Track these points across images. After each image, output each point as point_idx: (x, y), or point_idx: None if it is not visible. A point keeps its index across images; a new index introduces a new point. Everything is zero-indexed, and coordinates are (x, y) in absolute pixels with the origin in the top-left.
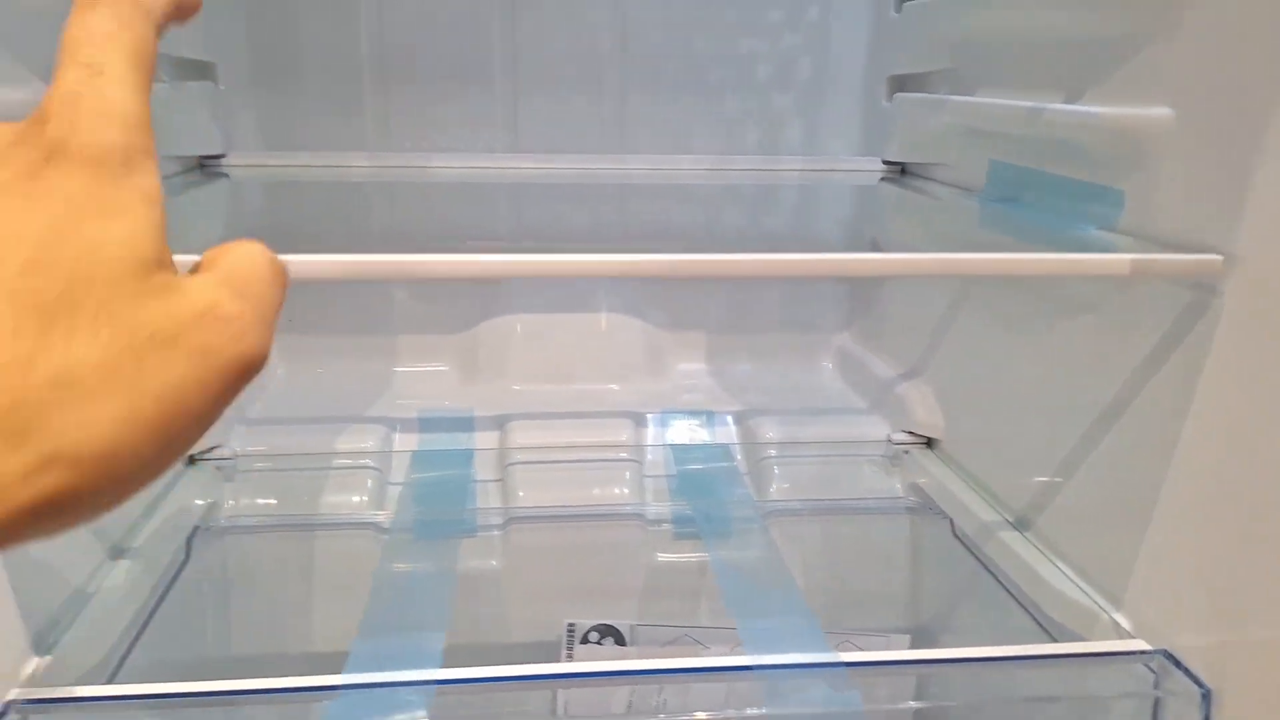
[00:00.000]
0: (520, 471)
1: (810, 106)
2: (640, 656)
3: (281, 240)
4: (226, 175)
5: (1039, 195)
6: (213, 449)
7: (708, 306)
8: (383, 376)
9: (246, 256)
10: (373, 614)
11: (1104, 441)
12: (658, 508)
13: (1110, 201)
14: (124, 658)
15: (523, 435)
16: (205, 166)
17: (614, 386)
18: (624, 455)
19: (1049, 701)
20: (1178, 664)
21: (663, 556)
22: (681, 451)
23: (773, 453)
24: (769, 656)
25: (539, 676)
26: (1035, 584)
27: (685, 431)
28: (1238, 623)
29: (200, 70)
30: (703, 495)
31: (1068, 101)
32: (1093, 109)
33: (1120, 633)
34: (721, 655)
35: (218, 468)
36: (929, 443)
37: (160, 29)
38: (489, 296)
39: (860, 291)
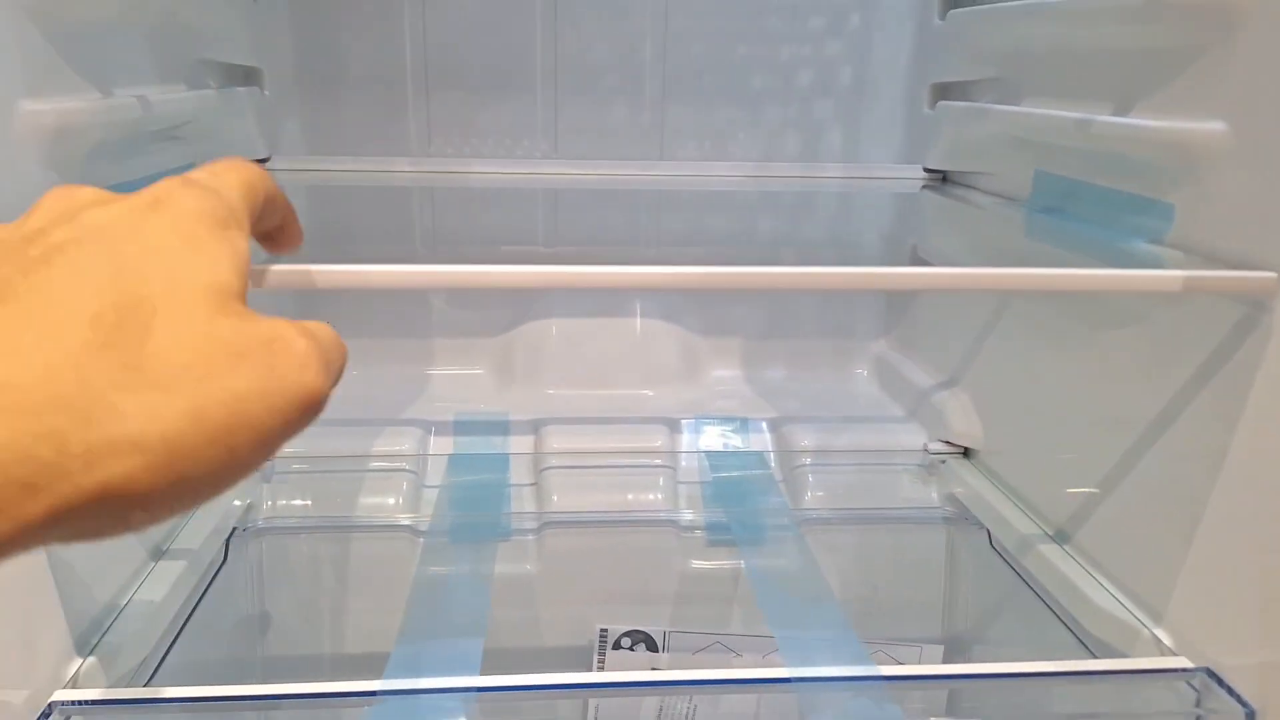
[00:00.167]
0: (555, 476)
1: (851, 113)
2: (672, 664)
3: (325, 244)
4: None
5: (1086, 207)
6: None
7: (743, 312)
8: (419, 379)
9: (315, 324)
10: (411, 619)
11: (1148, 455)
12: (691, 514)
13: (1160, 214)
14: (163, 658)
15: (557, 440)
16: None
17: (648, 392)
18: (658, 461)
19: (1088, 719)
20: (1221, 683)
21: (696, 563)
22: (716, 458)
23: (807, 460)
24: (807, 669)
25: (579, 685)
26: (1074, 598)
27: (720, 438)
28: None
29: (247, 76)
30: (737, 503)
31: (1117, 113)
32: (1146, 122)
33: (1162, 649)
34: (758, 667)
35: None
36: (966, 452)
37: (265, 191)
38: (525, 301)
39: (897, 298)
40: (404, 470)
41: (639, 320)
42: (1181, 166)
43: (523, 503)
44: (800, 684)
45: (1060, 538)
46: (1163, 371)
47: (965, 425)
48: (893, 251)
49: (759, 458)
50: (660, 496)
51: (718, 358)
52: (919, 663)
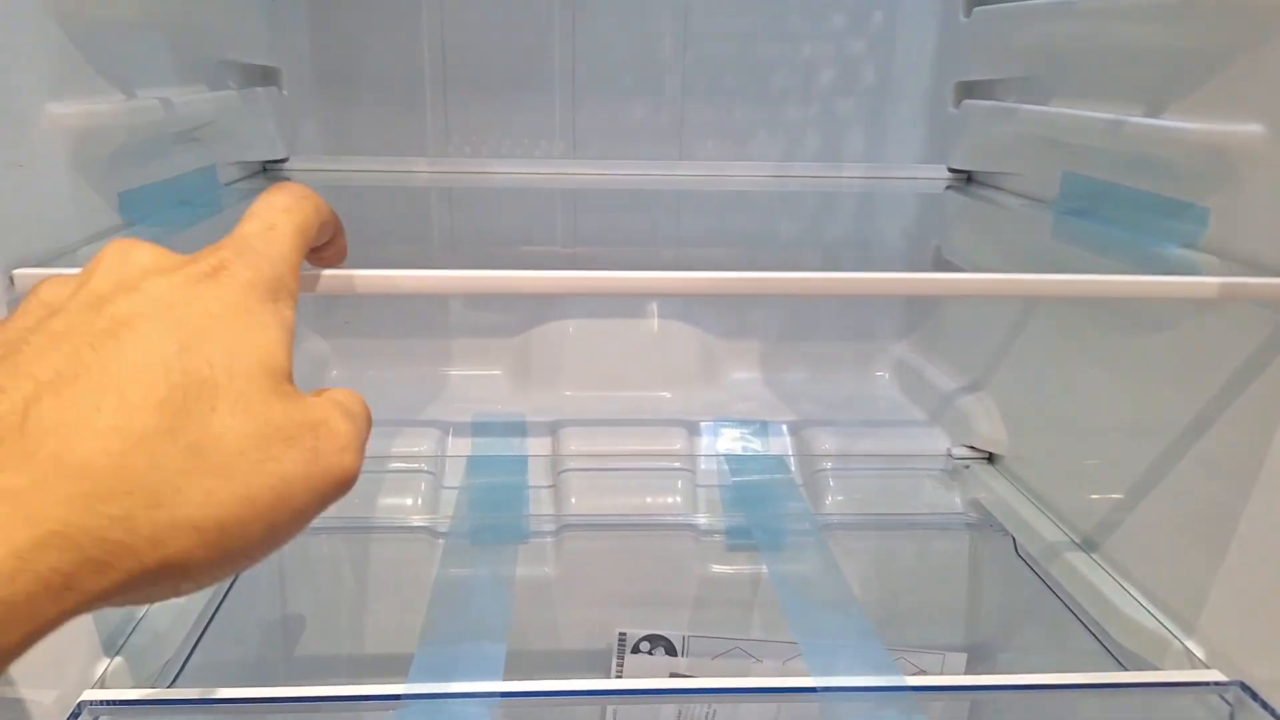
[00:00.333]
0: (573, 478)
1: (874, 112)
2: (691, 668)
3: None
4: (289, 179)
5: (1116, 209)
6: None
7: (762, 314)
8: (436, 380)
9: (347, 395)
10: (433, 622)
11: (1179, 462)
12: (711, 518)
13: (1194, 218)
14: (187, 659)
15: (575, 441)
16: (268, 171)
17: (666, 394)
18: (677, 464)
19: None
20: (1254, 696)
21: (715, 567)
22: (736, 462)
23: (828, 465)
24: (831, 678)
25: (604, 692)
26: (1102, 607)
27: (739, 441)
28: None
29: (266, 76)
30: (758, 507)
31: (1148, 114)
32: (1181, 124)
33: (1193, 662)
34: (778, 674)
35: None
36: (990, 458)
37: (319, 224)
38: (542, 301)
39: (919, 300)
40: (422, 471)
41: (657, 321)
42: (1217, 170)
43: (541, 505)
44: (824, 694)
45: (1087, 545)
46: (1195, 378)
47: (990, 430)
48: (916, 253)
49: (779, 462)
50: (679, 499)
51: (736, 359)
52: (942, 670)
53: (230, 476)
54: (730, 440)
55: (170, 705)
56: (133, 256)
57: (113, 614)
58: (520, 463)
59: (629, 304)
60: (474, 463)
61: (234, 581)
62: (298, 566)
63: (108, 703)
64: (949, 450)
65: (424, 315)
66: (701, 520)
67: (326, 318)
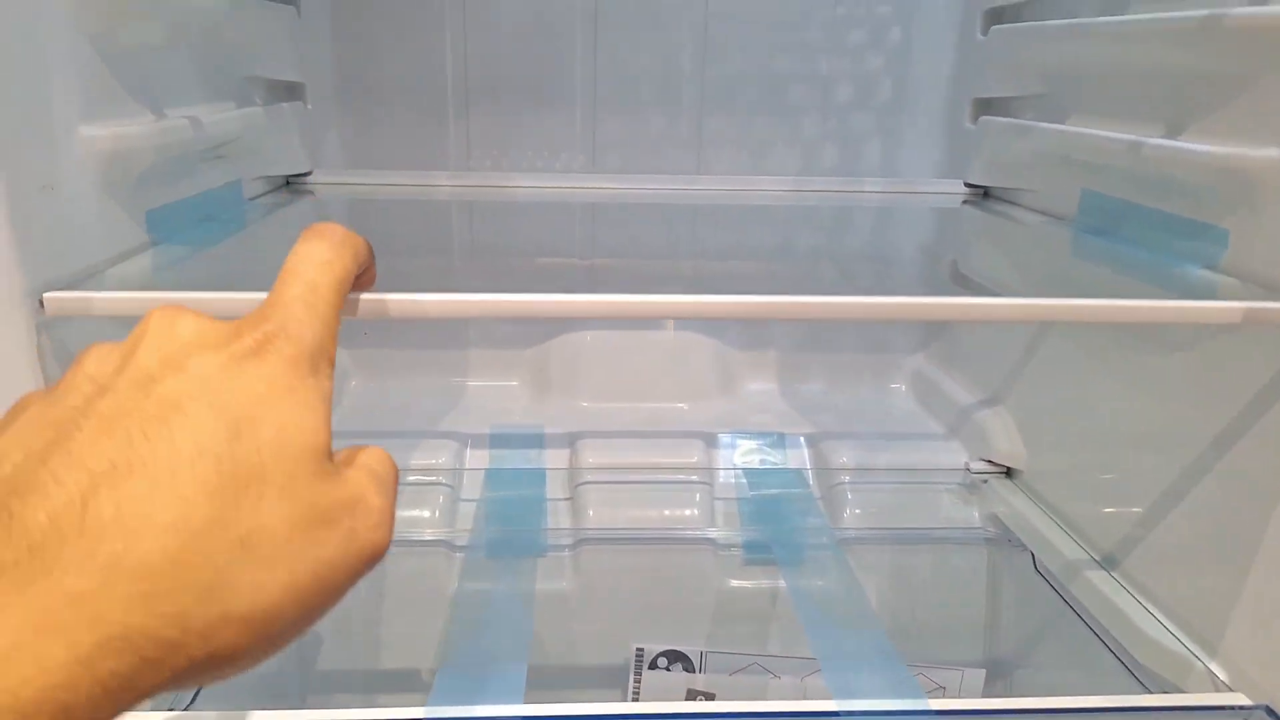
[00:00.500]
0: (590, 491)
1: (891, 127)
2: (709, 684)
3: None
4: (312, 193)
5: (1136, 229)
6: None
7: (779, 326)
8: (454, 391)
9: (377, 456)
10: (453, 641)
11: (1201, 480)
12: (729, 532)
13: (1213, 240)
14: None
15: (593, 454)
16: (291, 184)
17: (683, 405)
18: (694, 477)
19: None
20: None
21: (734, 582)
22: (754, 476)
23: (846, 478)
24: (853, 702)
25: (624, 716)
26: (1122, 626)
27: (756, 454)
28: None
29: (291, 91)
30: (776, 522)
31: (1168, 135)
32: (1201, 147)
33: (1216, 684)
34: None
35: None
36: (1008, 472)
37: (358, 267)
38: None
39: None
40: (440, 484)
41: (674, 333)
42: (1236, 192)
43: (558, 518)
44: (845, 718)
45: (1107, 563)
46: (1217, 395)
47: (1008, 445)
48: (933, 268)
49: (798, 475)
50: (696, 513)
51: (753, 371)
52: (960, 686)
53: (276, 566)
54: (748, 453)
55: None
56: (177, 329)
57: None
58: (538, 475)
59: None
60: (492, 475)
61: None
62: None
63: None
64: (967, 464)
65: (443, 326)
66: (719, 534)
67: (346, 328)
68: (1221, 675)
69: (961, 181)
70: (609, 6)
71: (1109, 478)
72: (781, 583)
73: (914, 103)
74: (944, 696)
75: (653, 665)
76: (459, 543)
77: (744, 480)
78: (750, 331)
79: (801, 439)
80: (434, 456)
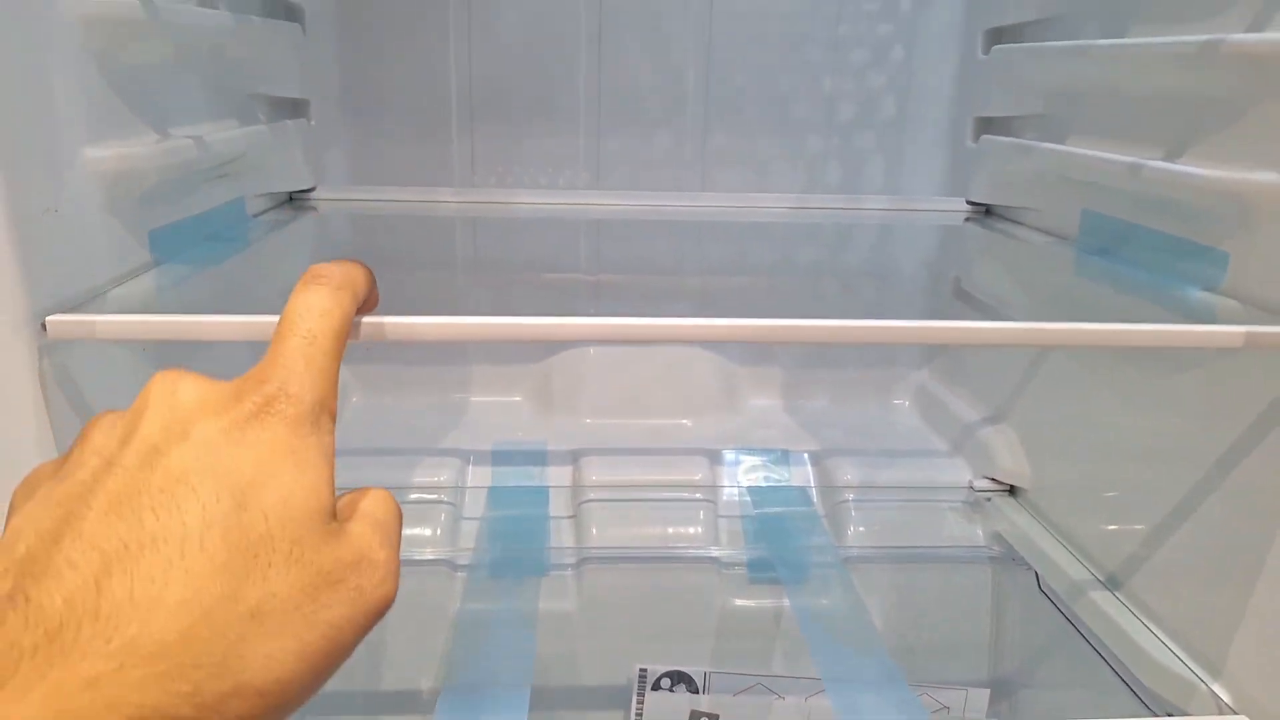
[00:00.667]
0: (594, 509)
1: (893, 145)
2: (713, 705)
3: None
4: (315, 209)
5: (1136, 250)
6: None
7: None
8: (456, 407)
9: (380, 502)
10: (456, 661)
11: (1207, 500)
12: (732, 551)
13: (1213, 262)
14: None
15: (596, 471)
16: (295, 200)
17: (686, 421)
18: (698, 495)
19: None
20: None
21: (737, 601)
22: (758, 494)
23: (850, 496)
24: None
25: None
26: (1126, 647)
27: (760, 471)
28: None
29: (295, 108)
30: (781, 541)
31: (1168, 157)
32: (1201, 170)
33: (1220, 706)
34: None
35: None
36: (1012, 490)
37: (357, 306)
38: None
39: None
40: (442, 502)
41: (678, 348)
42: (1236, 215)
43: (561, 536)
44: None
45: (1111, 583)
46: (1220, 417)
47: (1012, 463)
48: (936, 284)
49: (801, 493)
50: (700, 530)
51: (757, 387)
52: (964, 706)
53: (286, 635)
54: (752, 470)
55: None
56: (179, 395)
57: None
58: (541, 493)
59: None
60: (495, 494)
61: None
62: None
63: None
64: (971, 482)
65: (445, 343)
66: (723, 553)
67: (348, 345)
68: (1225, 697)
69: (963, 199)
70: (613, 25)
71: (1113, 497)
72: (785, 602)
73: (916, 121)
74: (948, 717)
75: (656, 686)
76: (461, 561)
77: (748, 498)
78: (753, 348)
79: (806, 456)
80: (436, 474)
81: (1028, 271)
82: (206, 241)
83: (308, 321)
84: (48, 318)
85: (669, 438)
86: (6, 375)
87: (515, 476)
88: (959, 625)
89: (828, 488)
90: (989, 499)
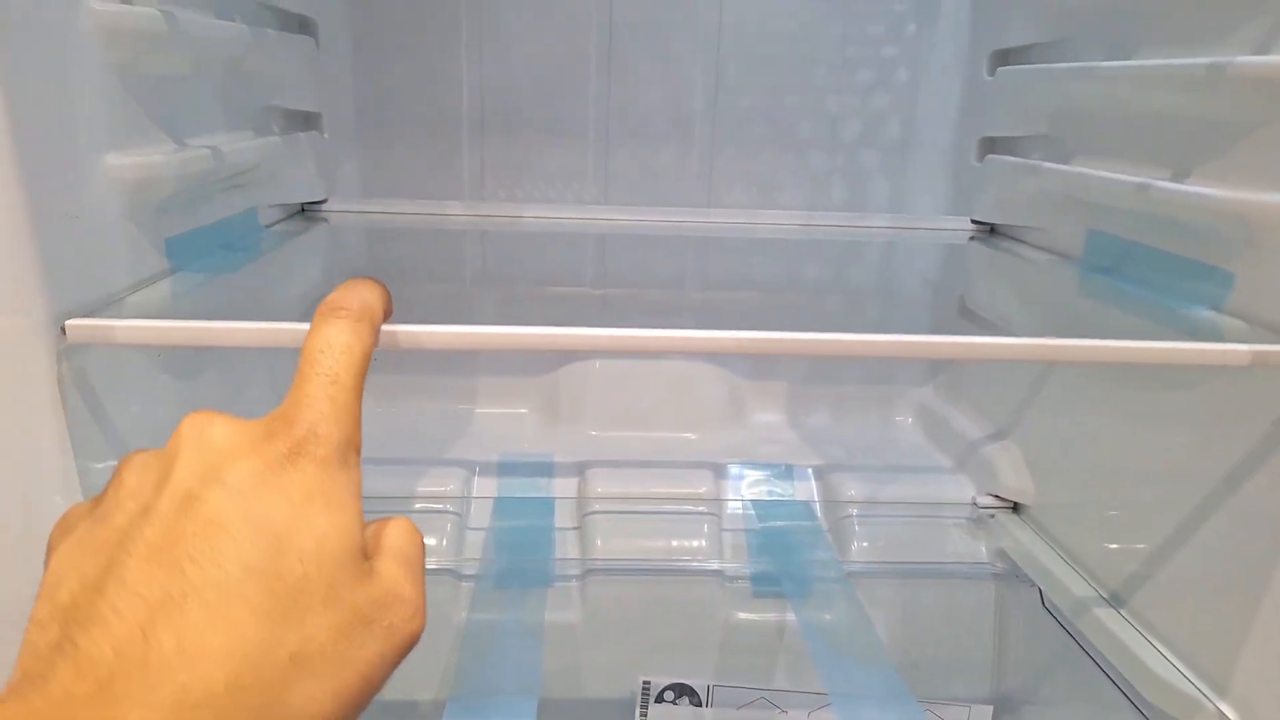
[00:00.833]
0: (599, 520)
1: (898, 164)
2: (717, 719)
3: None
4: (326, 220)
5: (1141, 269)
6: None
7: (786, 357)
8: (462, 417)
9: (405, 535)
10: (463, 672)
11: (1211, 517)
12: (736, 564)
13: (1219, 281)
14: None
15: (601, 483)
16: (306, 212)
17: (691, 435)
18: (702, 508)
19: None
20: None
21: (741, 615)
22: (762, 508)
23: (854, 511)
24: None
25: None
26: (1131, 664)
27: (765, 485)
28: None
29: (309, 120)
30: (785, 555)
31: (1174, 178)
32: (1208, 191)
33: None
34: None
35: None
36: (1015, 507)
37: (376, 335)
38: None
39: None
40: (448, 512)
41: (683, 362)
42: (1241, 236)
43: (566, 547)
44: None
45: (1115, 600)
46: (1225, 436)
47: (1016, 480)
48: (940, 302)
49: (806, 508)
50: (704, 543)
51: (761, 401)
52: None
53: (325, 675)
54: (756, 484)
55: None
56: (211, 438)
57: None
58: (547, 505)
59: None
60: (501, 504)
61: None
62: None
63: None
64: (974, 499)
65: (452, 352)
66: (727, 566)
67: None
68: (1231, 715)
69: (968, 218)
70: (623, 43)
71: (1117, 514)
72: (789, 616)
73: (921, 141)
74: None
75: (659, 699)
76: (466, 572)
77: (752, 512)
78: (758, 362)
79: (810, 470)
80: (442, 484)
81: (1032, 290)
82: (221, 250)
83: (330, 358)
84: (67, 321)
85: (674, 451)
86: (27, 378)
87: (521, 488)
88: (962, 641)
89: (831, 502)
90: (992, 515)
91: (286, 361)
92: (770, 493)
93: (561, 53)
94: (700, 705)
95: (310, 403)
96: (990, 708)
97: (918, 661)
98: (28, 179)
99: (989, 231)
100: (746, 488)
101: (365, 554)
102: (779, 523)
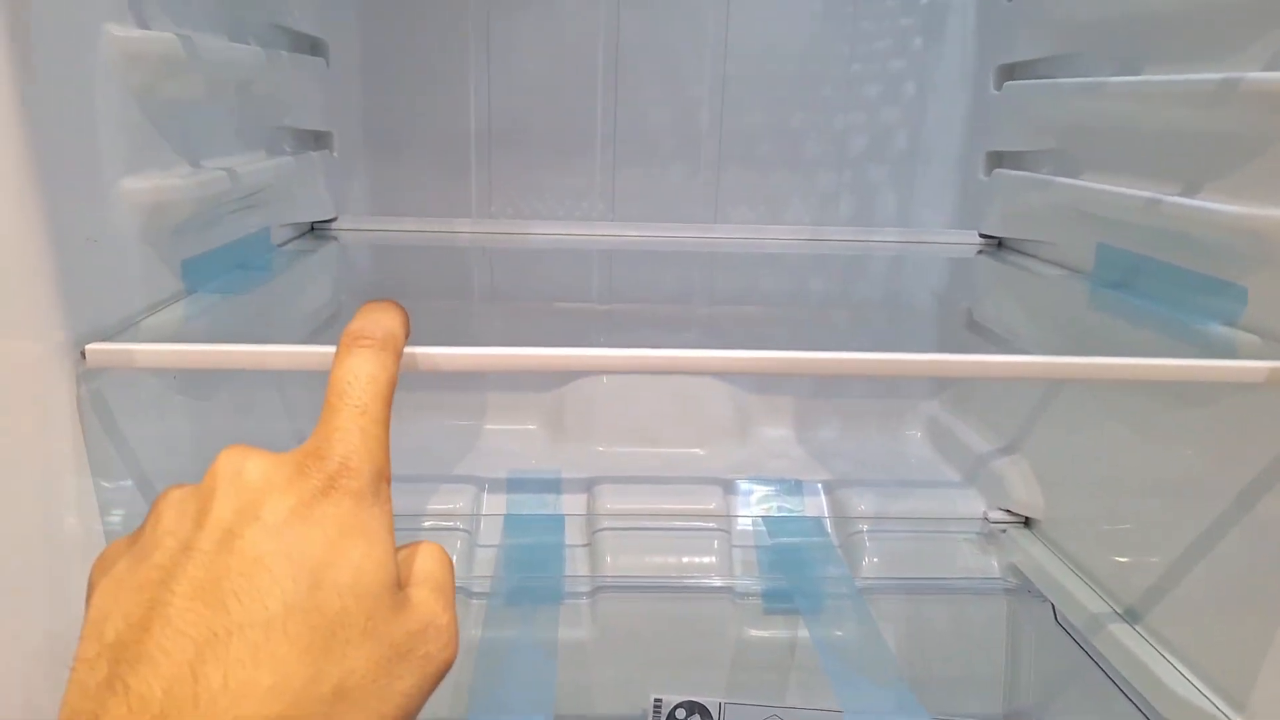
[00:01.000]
0: (608, 537)
1: (905, 179)
2: None
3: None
4: (336, 239)
5: (1153, 284)
6: None
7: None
8: (471, 433)
9: (436, 561)
10: (476, 691)
11: (1228, 533)
12: (747, 581)
13: (1232, 297)
14: None
15: (610, 500)
16: (316, 230)
17: (699, 450)
18: (712, 524)
19: None
20: None
21: (752, 632)
22: (773, 524)
23: (864, 527)
24: None
25: None
26: (1146, 680)
27: (774, 500)
28: None
29: (319, 140)
30: (797, 571)
31: (1185, 193)
32: (1220, 206)
33: None
34: None
35: None
36: (1026, 522)
37: (398, 360)
38: None
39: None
40: (458, 529)
41: (689, 377)
42: (1254, 251)
43: (576, 565)
44: None
45: (1130, 615)
46: (1239, 451)
47: (1026, 494)
48: (948, 316)
49: (816, 524)
50: (714, 560)
51: (769, 416)
52: None
53: (366, 709)
54: (765, 500)
55: None
56: (246, 475)
57: None
58: (557, 521)
59: None
60: (511, 521)
61: None
62: None
63: None
64: (985, 514)
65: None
66: (738, 583)
67: None
68: None
69: (975, 232)
70: (630, 61)
71: (1130, 529)
72: (800, 633)
73: (928, 155)
74: None
75: (671, 716)
76: (476, 589)
77: (762, 528)
78: (765, 377)
79: (819, 486)
80: (451, 501)
81: (1041, 304)
82: (234, 271)
83: (357, 389)
84: (87, 346)
85: (682, 467)
86: (46, 400)
87: (530, 504)
88: (974, 657)
89: (841, 518)
90: (1004, 530)
91: (295, 379)
92: (780, 508)
93: (569, 71)
94: None
95: (341, 435)
96: None
97: (929, 677)
98: (49, 204)
99: (997, 245)
100: (755, 503)
101: (399, 583)
102: (790, 538)
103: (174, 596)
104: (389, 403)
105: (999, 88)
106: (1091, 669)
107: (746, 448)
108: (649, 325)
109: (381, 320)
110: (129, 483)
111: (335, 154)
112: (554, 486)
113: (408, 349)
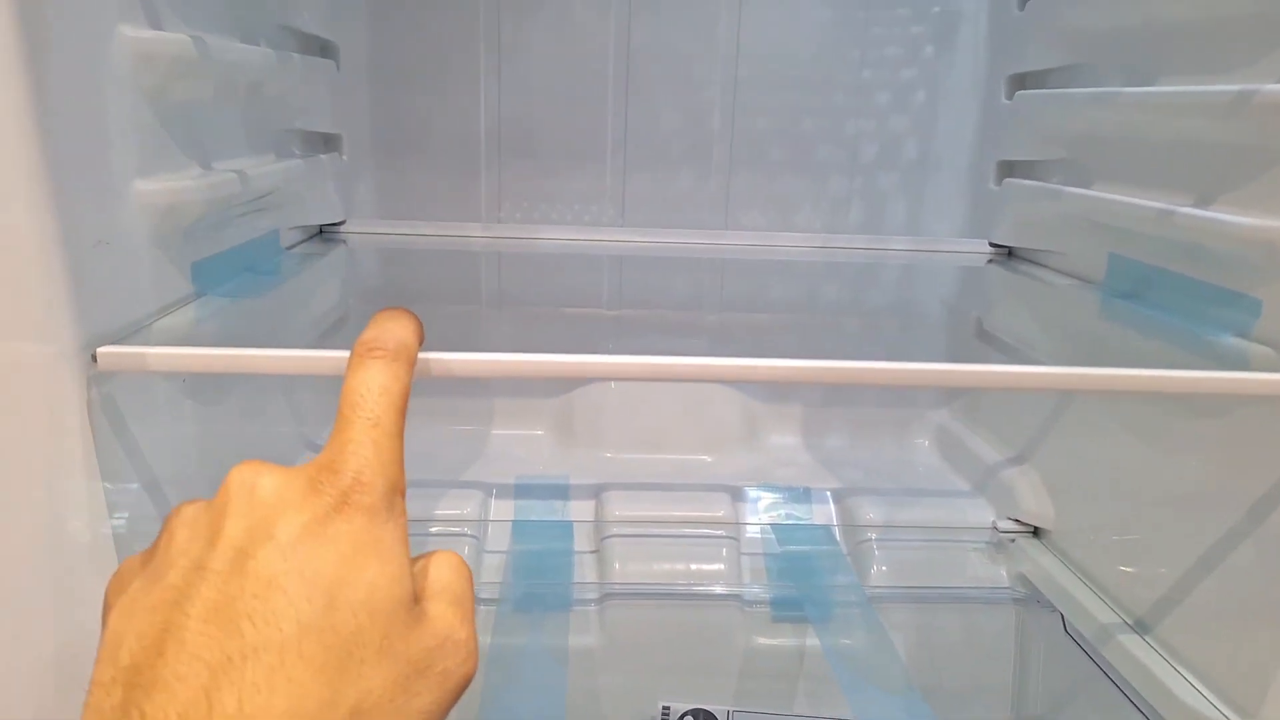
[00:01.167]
0: (616, 544)
1: (915, 187)
2: None
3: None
4: (345, 242)
5: (1165, 295)
6: None
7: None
8: (479, 439)
9: (454, 571)
10: (487, 698)
11: (1240, 545)
12: (756, 588)
13: (1245, 308)
14: None
15: (618, 506)
16: (325, 233)
17: (707, 457)
18: (721, 532)
19: None
20: None
21: (761, 639)
22: (782, 532)
23: (873, 535)
24: None
25: None
26: (1157, 691)
27: (783, 508)
28: None
29: (329, 143)
30: (806, 579)
31: (1196, 203)
32: (1230, 217)
33: None
34: None
35: None
36: (1035, 532)
37: (411, 371)
38: None
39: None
40: (466, 535)
41: (699, 384)
42: (1268, 262)
43: (584, 571)
44: None
45: (1140, 627)
46: (1252, 462)
47: (1036, 504)
48: (958, 325)
49: (826, 532)
50: (723, 567)
51: (778, 424)
52: None
53: None
54: (774, 508)
55: None
56: (259, 493)
57: None
58: (566, 528)
59: None
60: (519, 528)
61: None
62: None
63: None
64: (994, 523)
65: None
66: (747, 590)
67: None
68: None
69: (986, 241)
70: (641, 67)
71: (1140, 540)
72: (809, 641)
73: (938, 164)
74: None
75: None
76: (485, 595)
77: (771, 535)
78: (773, 384)
79: (828, 494)
80: (459, 507)
81: (1052, 313)
82: (244, 274)
83: (369, 402)
84: (98, 349)
85: (690, 473)
86: (57, 403)
87: (538, 510)
88: (983, 667)
89: (850, 526)
90: (1013, 540)
91: (304, 383)
92: (788, 516)
93: (579, 75)
94: None
95: (354, 449)
96: None
97: (938, 687)
98: (61, 206)
99: (1007, 254)
100: (764, 510)
101: (416, 597)
102: (799, 546)
103: (188, 619)
104: (402, 414)
105: (1010, 97)
106: (1101, 679)
107: (755, 455)
108: (658, 331)
109: (394, 330)
110: (136, 486)
111: (344, 157)
112: (562, 492)
113: (421, 354)
